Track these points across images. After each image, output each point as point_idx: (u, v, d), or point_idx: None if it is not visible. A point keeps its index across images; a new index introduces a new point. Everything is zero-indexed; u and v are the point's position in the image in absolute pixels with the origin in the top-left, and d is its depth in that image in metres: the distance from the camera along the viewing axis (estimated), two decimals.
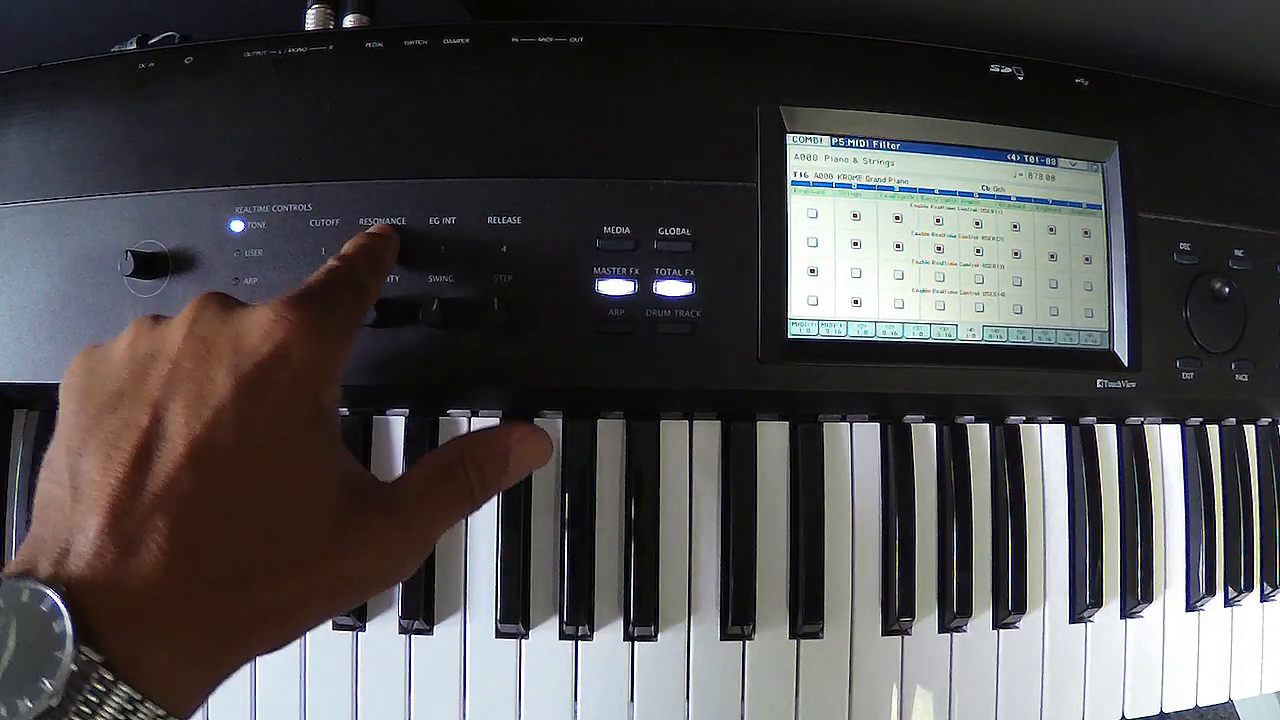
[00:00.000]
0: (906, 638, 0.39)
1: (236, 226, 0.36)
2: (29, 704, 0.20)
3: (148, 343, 0.26)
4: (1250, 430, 0.45)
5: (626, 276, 0.35)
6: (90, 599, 0.21)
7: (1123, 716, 0.41)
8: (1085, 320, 0.40)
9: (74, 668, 0.20)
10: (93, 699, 0.20)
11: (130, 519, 0.22)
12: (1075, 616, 0.41)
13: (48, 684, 0.20)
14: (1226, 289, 0.40)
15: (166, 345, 0.25)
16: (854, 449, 0.40)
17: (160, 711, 0.21)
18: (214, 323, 0.25)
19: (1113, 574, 0.42)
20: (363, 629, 0.37)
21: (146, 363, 0.25)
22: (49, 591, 0.20)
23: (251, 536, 0.23)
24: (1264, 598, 0.44)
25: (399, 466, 0.38)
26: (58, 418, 0.25)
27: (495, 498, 0.37)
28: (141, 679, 0.20)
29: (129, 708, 0.20)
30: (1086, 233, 0.40)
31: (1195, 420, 0.44)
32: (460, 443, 0.31)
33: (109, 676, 0.20)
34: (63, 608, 0.20)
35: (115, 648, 0.20)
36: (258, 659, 0.36)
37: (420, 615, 0.37)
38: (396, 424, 0.38)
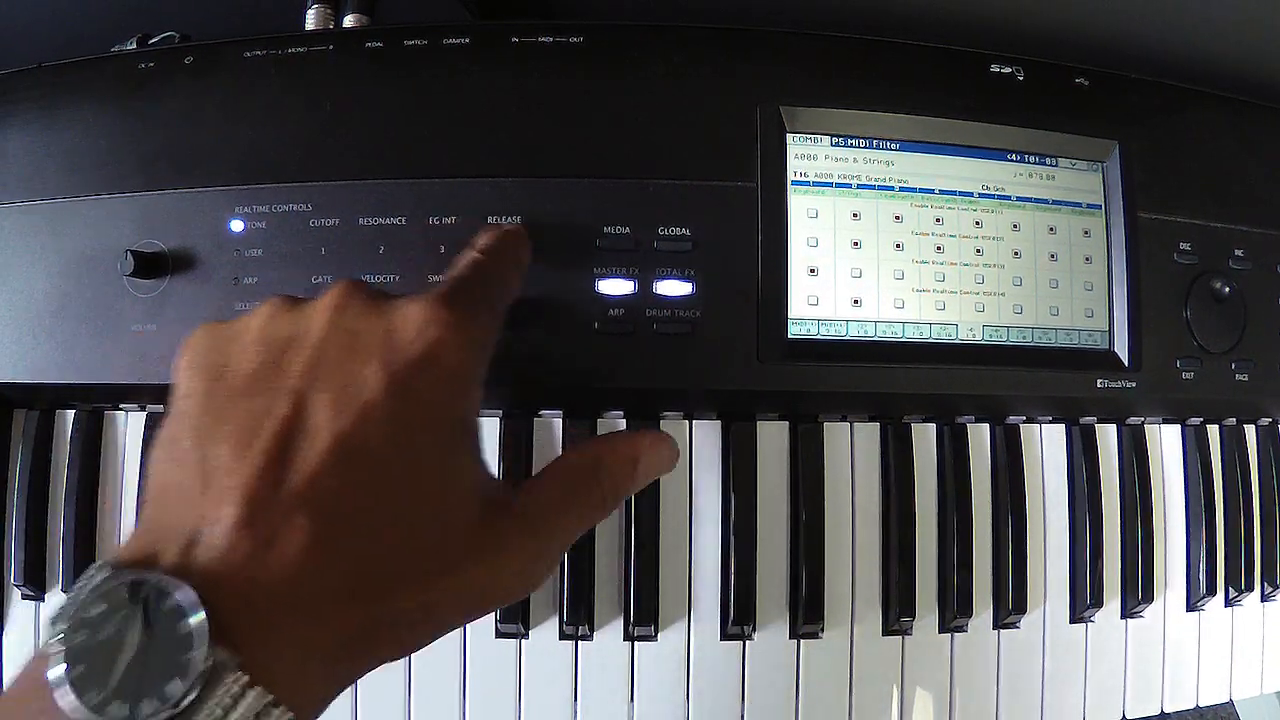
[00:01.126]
0: (906, 638, 0.39)
1: (236, 226, 0.35)
2: (156, 704, 0.18)
3: (288, 325, 0.24)
4: (1250, 430, 0.45)
5: (626, 276, 0.35)
6: (223, 595, 0.19)
7: (1123, 716, 0.41)
8: (1085, 320, 0.40)
9: (205, 668, 0.19)
10: (226, 702, 0.19)
11: (269, 513, 0.21)
12: (1075, 616, 0.41)
13: (178, 685, 0.18)
14: (1226, 289, 0.40)
15: (309, 331, 0.24)
16: (854, 449, 0.40)
17: (290, 716, 0.19)
18: (363, 314, 0.24)
19: (1113, 574, 0.42)
20: None
21: (285, 347, 0.24)
22: (179, 586, 0.19)
23: (392, 542, 0.22)
24: (1264, 598, 0.44)
25: None
26: (177, 394, 0.24)
27: None
28: (273, 682, 0.19)
29: (259, 711, 0.19)
30: (1086, 233, 0.40)
31: (1195, 420, 0.44)
32: (595, 448, 0.30)
33: (244, 679, 0.19)
34: (196, 603, 0.19)
35: (249, 649, 0.19)
36: None
37: None
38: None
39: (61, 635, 0.19)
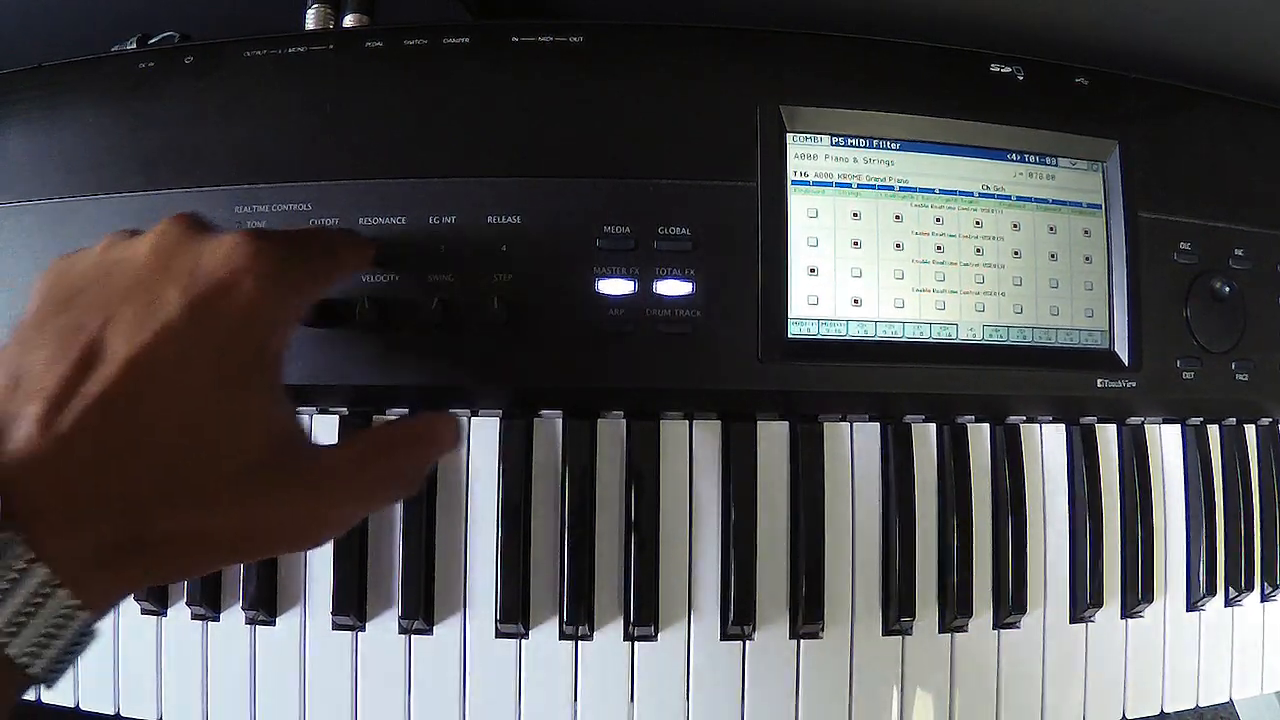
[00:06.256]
0: (906, 638, 0.39)
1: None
2: None
3: (118, 251, 0.26)
4: (1250, 430, 0.45)
5: (626, 276, 0.35)
6: (17, 484, 0.21)
7: (1123, 716, 0.41)
8: (1085, 320, 0.40)
9: None
10: (12, 577, 0.20)
11: (64, 415, 0.22)
12: (1075, 616, 0.41)
13: None
14: (1226, 289, 0.40)
15: (133, 256, 0.26)
16: (854, 449, 0.40)
17: (75, 601, 0.21)
18: (180, 241, 0.26)
19: (1113, 574, 0.42)
20: (363, 629, 0.37)
21: (112, 269, 0.25)
22: None
23: (164, 461, 0.23)
24: (1264, 597, 0.44)
25: None
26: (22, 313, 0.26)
27: (496, 497, 0.37)
28: (56, 568, 0.21)
29: (45, 593, 0.20)
30: (1087, 232, 0.40)
31: (1195, 420, 0.44)
32: (404, 425, 0.31)
33: (29, 556, 0.20)
34: None
35: (36, 533, 0.21)
36: (256, 660, 0.36)
37: (420, 615, 0.37)
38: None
39: None
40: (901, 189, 0.38)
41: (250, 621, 0.37)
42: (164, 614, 0.37)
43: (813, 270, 0.37)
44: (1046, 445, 0.42)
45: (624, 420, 0.39)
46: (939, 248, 0.38)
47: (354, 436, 0.29)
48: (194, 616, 0.37)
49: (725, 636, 0.38)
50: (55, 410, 0.22)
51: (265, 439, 0.25)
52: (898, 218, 0.38)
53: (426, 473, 0.32)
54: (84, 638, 0.22)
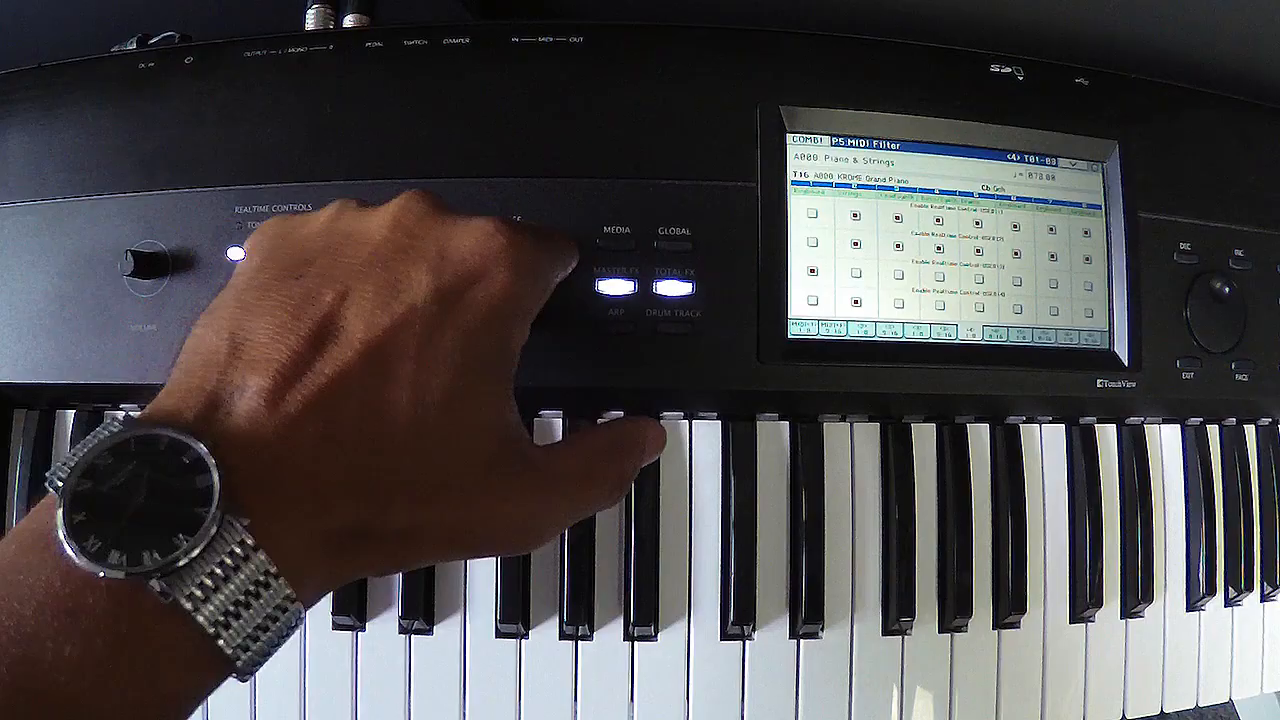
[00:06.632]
0: (906, 638, 0.39)
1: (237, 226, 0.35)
2: (156, 557, 0.18)
3: (350, 221, 0.24)
4: (1250, 430, 0.45)
5: (626, 276, 0.35)
6: (239, 460, 0.19)
7: (1123, 716, 0.41)
8: (1085, 320, 0.40)
9: (213, 527, 0.18)
10: (227, 563, 0.18)
11: (294, 392, 0.20)
12: (1075, 616, 0.41)
13: (183, 540, 0.18)
14: (1226, 289, 0.40)
15: (369, 229, 0.24)
16: (854, 449, 0.40)
17: (289, 592, 0.19)
18: (424, 219, 0.24)
19: (1113, 574, 0.42)
20: (363, 629, 0.37)
21: (344, 241, 0.24)
22: (195, 443, 0.19)
23: (402, 451, 0.22)
24: (1264, 597, 0.44)
25: None
26: (234, 272, 0.24)
27: None
28: (276, 553, 0.19)
29: (260, 580, 0.19)
30: (1086, 233, 0.40)
31: (1195, 420, 0.44)
32: (616, 429, 0.30)
33: (250, 542, 0.19)
34: (211, 462, 0.19)
35: (258, 517, 0.19)
36: None
37: (420, 615, 0.37)
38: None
39: (62, 482, 0.19)
40: (901, 189, 0.38)
41: None
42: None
43: (812, 270, 0.37)
44: (1046, 445, 0.42)
45: None
46: (939, 248, 0.38)
47: (576, 438, 0.29)
48: None
49: (725, 636, 0.38)
50: (285, 386, 0.20)
51: (498, 435, 0.24)
52: (898, 218, 0.38)
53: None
54: (290, 630, 0.20)
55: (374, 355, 0.21)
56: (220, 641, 0.19)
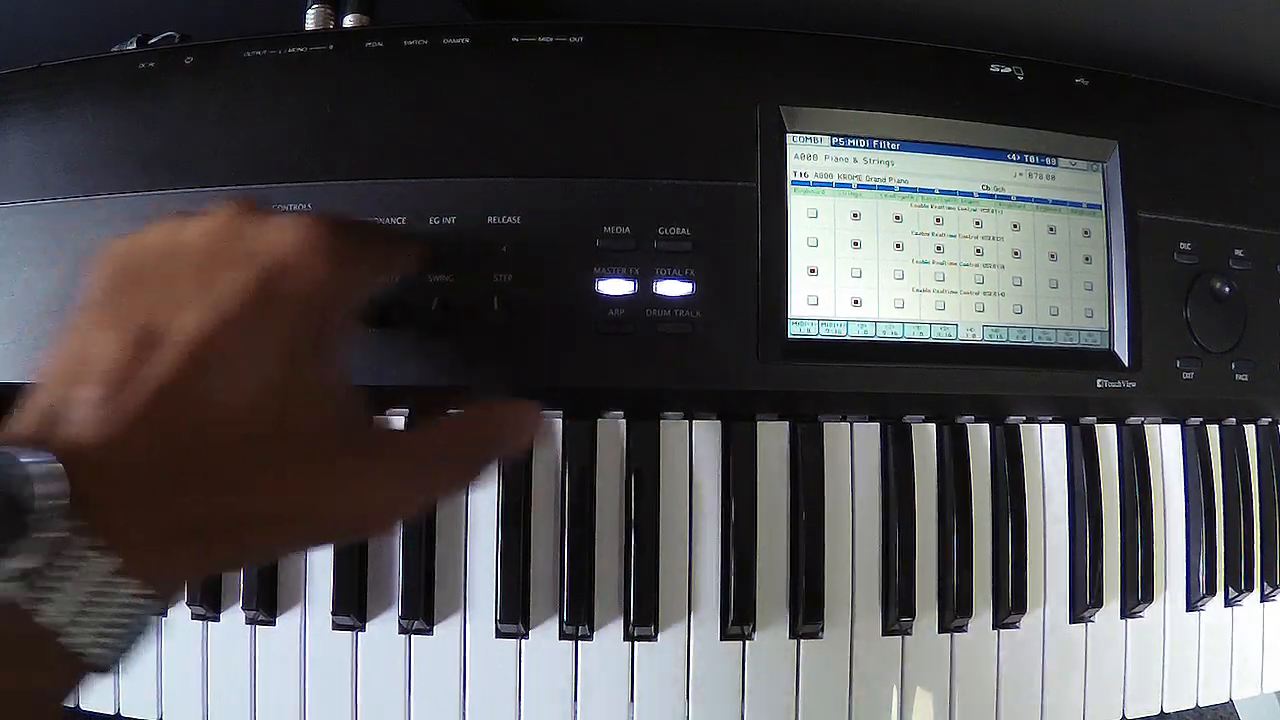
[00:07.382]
0: (906, 638, 0.39)
1: None
2: (8, 564, 0.19)
3: (175, 234, 0.26)
4: (1250, 430, 0.45)
5: (626, 276, 0.35)
6: (77, 469, 0.20)
7: (1123, 716, 0.41)
8: (1085, 320, 0.40)
9: (54, 534, 0.19)
10: (73, 567, 0.20)
11: (123, 399, 0.22)
12: (1075, 616, 0.41)
13: (24, 545, 0.19)
14: (1226, 289, 0.40)
15: (191, 238, 0.25)
16: (854, 449, 0.40)
17: (142, 589, 0.21)
18: (242, 224, 0.26)
19: (1113, 574, 0.42)
20: (363, 629, 0.37)
21: (170, 252, 0.25)
22: (33, 453, 0.20)
23: (235, 444, 0.23)
24: (1264, 597, 0.44)
25: None
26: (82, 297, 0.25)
27: (496, 497, 0.37)
28: (124, 554, 0.20)
29: (103, 579, 0.20)
30: (1086, 232, 0.40)
31: (1195, 420, 0.44)
32: (484, 415, 0.30)
33: (95, 543, 0.20)
34: (47, 470, 0.20)
35: (98, 519, 0.20)
36: (256, 663, 0.36)
37: (420, 615, 0.37)
38: (397, 424, 0.38)
39: None
40: (901, 189, 0.38)
41: (250, 621, 0.37)
42: (164, 614, 0.37)
43: (812, 270, 0.37)
44: (1046, 445, 0.42)
45: (624, 420, 0.39)
46: (939, 248, 0.38)
47: (430, 420, 0.29)
48: (194, 616, 0.37)
49: (725, 636, 0.38)
50: (114, 394, 0.22)
51: (333, 420, 0.25)
52: (898, 218, 0.38)
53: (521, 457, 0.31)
54: (147, 624, 0.22)
55: (196, 355, 0.23)
56: (75, 640, 0.20)
